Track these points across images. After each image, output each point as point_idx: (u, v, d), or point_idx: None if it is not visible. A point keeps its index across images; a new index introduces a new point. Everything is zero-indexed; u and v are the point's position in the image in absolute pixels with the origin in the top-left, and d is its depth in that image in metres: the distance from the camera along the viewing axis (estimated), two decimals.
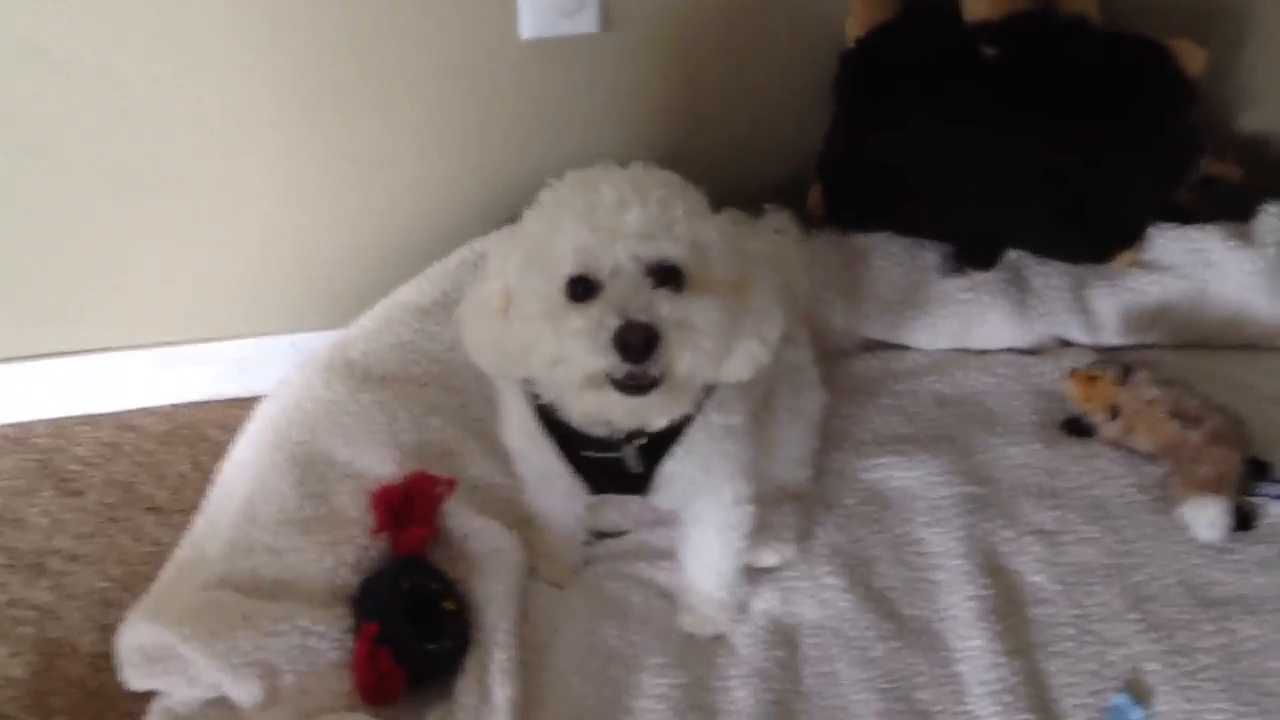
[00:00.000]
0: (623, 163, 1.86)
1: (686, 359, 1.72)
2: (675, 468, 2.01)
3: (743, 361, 1.87)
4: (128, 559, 2.48)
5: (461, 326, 1.97)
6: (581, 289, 1.75)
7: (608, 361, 1.71)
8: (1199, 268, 2.65)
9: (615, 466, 1.99)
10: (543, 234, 1.80)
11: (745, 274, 1.85)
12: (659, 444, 1.99)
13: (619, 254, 1.72)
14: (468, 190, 2.65)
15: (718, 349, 1.77)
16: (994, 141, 2.55)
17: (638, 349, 1.69)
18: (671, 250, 1.73)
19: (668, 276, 1.74)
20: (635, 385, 1.74)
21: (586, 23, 2.49)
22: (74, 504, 2.58)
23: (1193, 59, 2.53)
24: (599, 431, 1.93)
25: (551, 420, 1.96)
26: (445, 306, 2.47)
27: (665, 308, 1.70)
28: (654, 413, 1.85)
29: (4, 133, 2.41)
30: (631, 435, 1.95)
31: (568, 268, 1.75)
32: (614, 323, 1.69)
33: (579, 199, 1.77)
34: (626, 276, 1.72)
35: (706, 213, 1.82)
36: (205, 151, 2.50)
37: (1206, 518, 2.20)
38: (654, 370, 1.72)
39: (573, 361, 1.74)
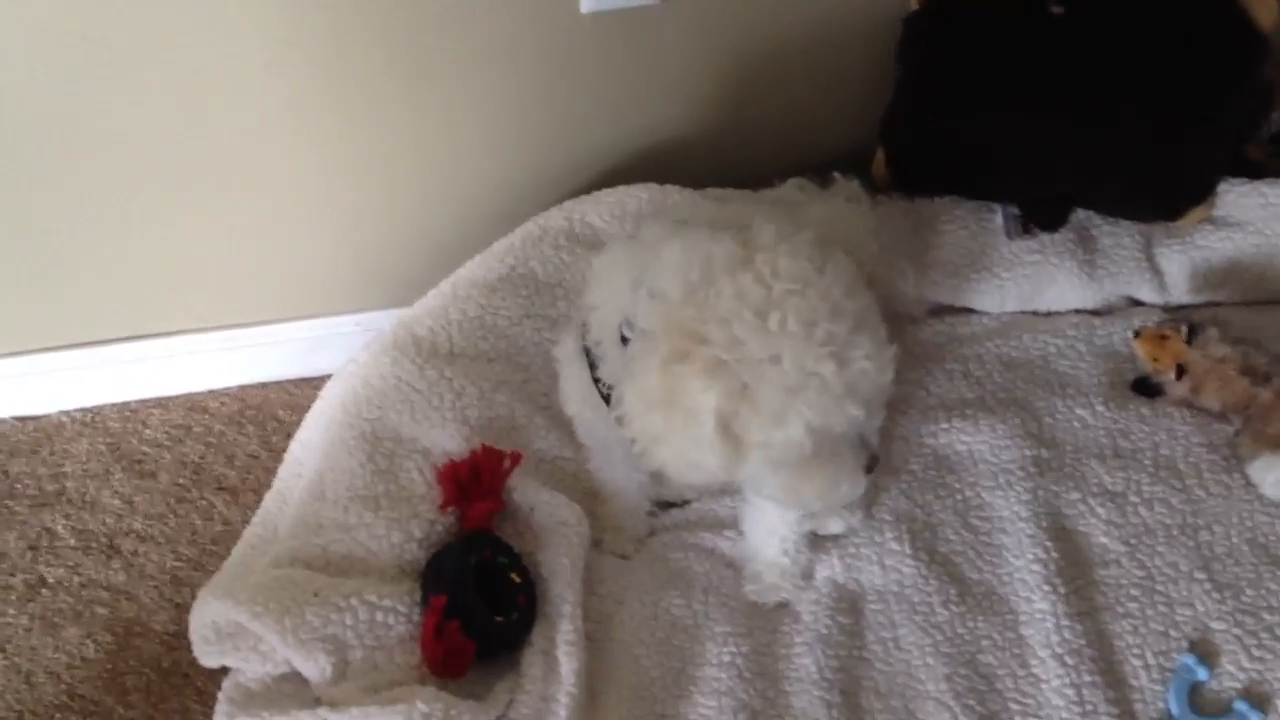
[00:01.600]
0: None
1: None
2: None
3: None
4: (199, 539, 2.52)
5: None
6: None
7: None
8: (1271, 223, 2.61)
9: None
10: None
11: None
12: None
13: None
14: (530, 166, 2.65)
15: None
16: (1064, 104, 2.51)
17: None
18: None
19: None
20: None
21: None
22: (145, 485, 2.62)
23: (1265, 10, 2.48)
24: None
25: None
26: (511, 282, 2.48)
27: None
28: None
29: (65, 121, 2.43)
30: None
31: None
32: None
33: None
34: None
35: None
36: (264, 134, 2.50)
37: (1276, 475, 2.17)
38: None
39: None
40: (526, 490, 2.22)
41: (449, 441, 2.24)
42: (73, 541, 2.52)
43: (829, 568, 2.19)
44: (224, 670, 2.04)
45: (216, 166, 2.53)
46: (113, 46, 2.33)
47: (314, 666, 1.96)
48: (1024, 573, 2.13)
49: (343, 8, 2.37)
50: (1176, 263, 2.60)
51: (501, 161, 2.65)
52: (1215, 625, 2.04)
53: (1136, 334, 2.38)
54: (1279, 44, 2.54)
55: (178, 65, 2.38)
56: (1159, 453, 2.29)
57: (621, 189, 2.59)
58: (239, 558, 2.24)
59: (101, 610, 2.41)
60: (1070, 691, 1.97)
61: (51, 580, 2.46)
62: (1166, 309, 2.59)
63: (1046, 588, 2.09)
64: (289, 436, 2.48)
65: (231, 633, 2.00)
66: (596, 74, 2.58)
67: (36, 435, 2.74)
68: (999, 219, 2.64)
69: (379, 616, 2.01)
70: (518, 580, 2.09)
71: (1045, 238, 2.61)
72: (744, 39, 2.60)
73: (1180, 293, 2.60)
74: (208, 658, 2.03)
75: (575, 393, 2.12)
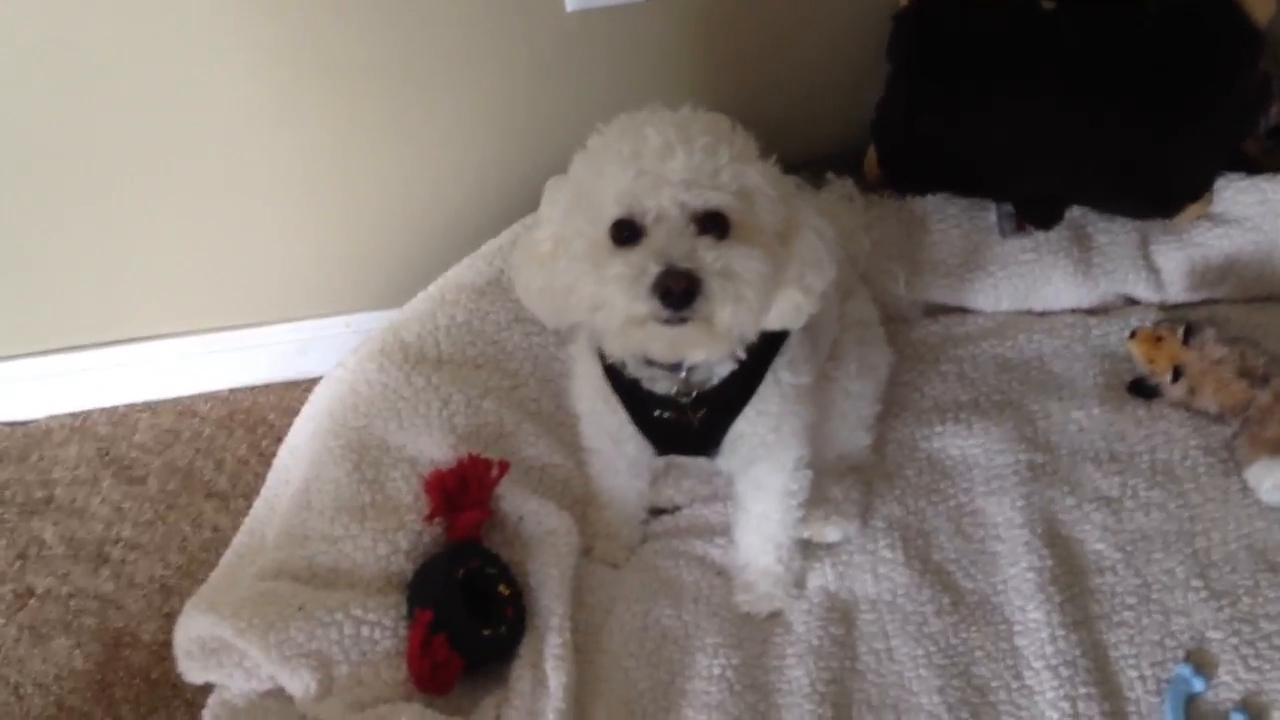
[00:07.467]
0: (672, 106, 1.84)
1: (728, 309, 1.71)
2: (746, 428, 2.00)
3: (786, 309, 1.85)
4: (188, 545, 2.50)
5: (513, 273, 1.98)
6: (626, 233, 1.74)
7: (648, 307, 1.70)
8: (1270, 219, 2.58)
9: (683, 427, 1.99)
10: (588, 178, 1.80)
11: (791, 220, 1.82)
12: (729, 404, 1.98)
13: (663, 200, 1.72)
14: (518, 167, 2.62)
15: (759, 298, 1.75)
16: (1055, 100, 2.48)
17: (679, 296, 1.69)
18: (716, 198, 1.72)
19: (712, 223, 1.73)
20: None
21: None
22: (134, 491, 2.60)
23: (1260, 6, 2.45)
24: (659, 388, 1.95)
25: (620, 381, 1.98)
26: (500, 285, 2.46)
27: (709, 255, 1.70)
28: (692, 347, 1.84)
29: (51, 130, 2.41)
30: (695, 400, 1.95)
31: (612, 211, 1.75)
32: (656, 269, 1.69)
33: (625, 143, 1.76)
34: (670, 223, 1.72)
35: (753, 157, 1.79)
36: (247, 137, 2.49)
37: (1273, 480, 2.14)
38: (695, 318, 1.72)
39: (614, 306, 1.74)
40: (514, 498, 2.20)
41: (436, 450, 2.22)
42: (61, 550, 2.50)
43: (821, 576, 2.17)
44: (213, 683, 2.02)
45: (200, 169, 2.51)
46: (94, 53, 2.31)
47: (299, 683, 1.93)
48: (1018, 581, 2.10)
49: (323, 11, 2.34)
50: (1174, 260, 2.57)
51: (489, 161, 2.62)
52: (1212, 634, 2.01)
53: (1132, 335, 2.36)
54: (1274, 38, 2.51)
55: (160, 70, 2.36)
56: (1155, 456, 2.27)
57: None
58: (226, 568, 2.22)
59: (90, 620, 2.39)
60: (1065, 704, 1.94)
61: (40, 589, 2.44)
62: (1164, 307, 2.56)
63: (1041, 596, 2.06)
64: (279, 440, 2.47)
65: (216, 648, 1.98)
66: (583, 72, 2.56)
67: (25, 441, 2.72)
68: (993, 217, 2.61)
69: (365, 631, 1.99)
70: (506, 592, 2.07)
71: (1040, 235, 2.59)
72: (733, 35, 2.58)
73: (1177, 291, 2.57)
74: (192, 673, 2.01)
75: (588, 388, 2.09)
